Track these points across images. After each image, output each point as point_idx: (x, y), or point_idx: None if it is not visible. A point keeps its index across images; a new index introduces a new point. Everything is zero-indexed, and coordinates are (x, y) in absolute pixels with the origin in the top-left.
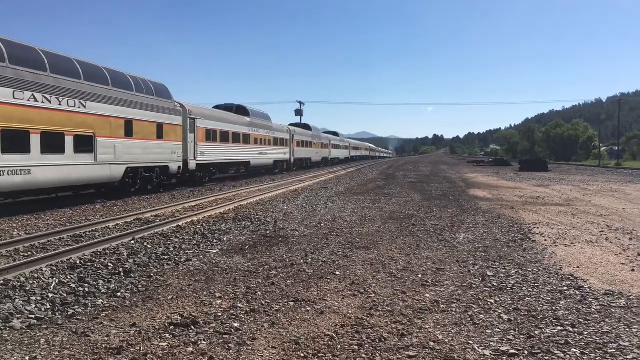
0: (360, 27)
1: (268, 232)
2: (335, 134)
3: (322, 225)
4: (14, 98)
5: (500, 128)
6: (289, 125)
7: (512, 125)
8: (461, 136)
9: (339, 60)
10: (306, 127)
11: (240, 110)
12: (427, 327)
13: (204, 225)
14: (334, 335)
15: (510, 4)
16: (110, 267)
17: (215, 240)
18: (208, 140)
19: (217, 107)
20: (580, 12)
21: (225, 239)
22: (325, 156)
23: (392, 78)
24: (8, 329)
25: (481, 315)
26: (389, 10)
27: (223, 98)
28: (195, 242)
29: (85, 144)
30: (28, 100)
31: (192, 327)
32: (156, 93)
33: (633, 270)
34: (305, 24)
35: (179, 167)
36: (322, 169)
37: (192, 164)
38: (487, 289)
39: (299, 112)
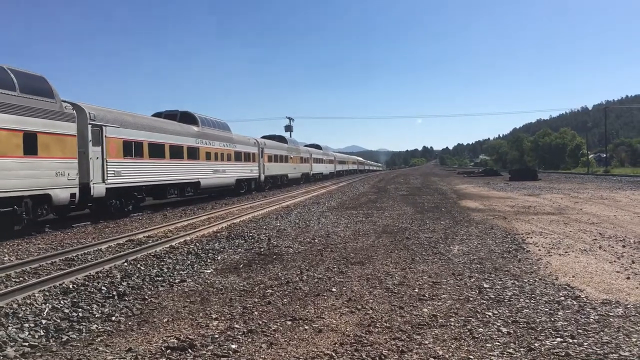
0: (348, 41)
1: (262, 249)
2: (318, 146)
3: (316, 241)
4: None
5: (489, 138)
6: (261, 137)
7: (501, 135)
8: (450, 147)
9: (328, 75)
10: (281, 139)
11: (186, 117)
12: (427, 342)
13: (197, 244)
14: (333, 354)
15: (495, 16)
16: (103, 291)
17: (209, 260)
18: (127, 156)
19: (158, 114)
20: (564, 23)
21: (219, 258)
22: (306, 172)
23: (381, 91)
24: (2, 357)
25: (480, 329)
26: (378, 25)
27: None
28: (189, 262)
29: None
30: None
31: (189, 350)
32: (22, 88)
33: (628, 278)
34: (291, 40)
35: (73, 195)
36: (312, 185)
37: (98, 189)
38: (484, 301)
39: (288, 128)
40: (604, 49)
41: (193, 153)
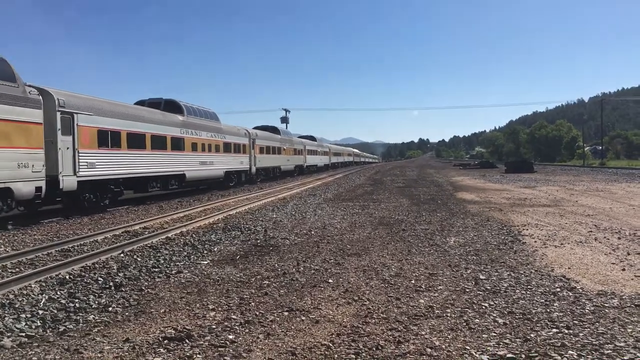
0: (343, 32)
1: (258, 241)
2: (312, 138)
3: (313, 232)
4: None
5: (485, 131)
6: (253, 128)
7: (497, 128)
8: (446, 139)
9: (324, 68)
10: (274, 130)
11: (171, 106)
12: (423, 333)
13: (194, 236)
14: (330, 345)
15: (492, 8)
16: (100, 282)
17: (205, 251)
18: (103, 146)
19: (140, 102)
20: (560, 15)
21: (215, 249)
22: (300, 164)
23: (378, 84)
24: None
25: (476, 320)
26: (374, 15)
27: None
28: (185, 253)
29: None
30: None
31: (187, 341)
32: None
33: (624, 269)
34: (287, 30)
35: (38, 188)
36: (308, 177)
37: (68, 182)
38: (480, 292)
39: (284, 120)
40: (600, 41)
41: (177, 144)
